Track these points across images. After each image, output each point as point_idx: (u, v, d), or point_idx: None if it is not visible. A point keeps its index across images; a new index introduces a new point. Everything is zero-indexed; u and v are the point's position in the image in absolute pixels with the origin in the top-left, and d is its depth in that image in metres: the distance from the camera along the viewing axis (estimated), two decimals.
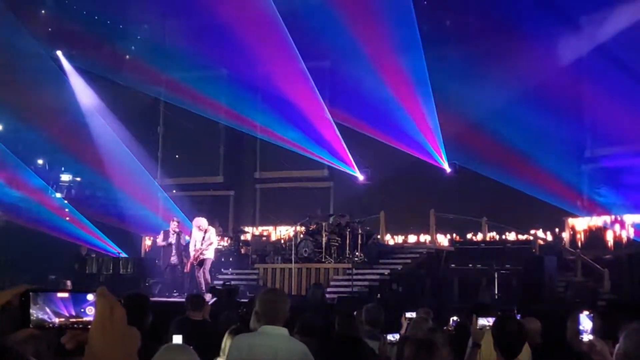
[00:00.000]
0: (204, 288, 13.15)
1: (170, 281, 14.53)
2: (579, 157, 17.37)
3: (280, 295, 4.22)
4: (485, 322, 4.12)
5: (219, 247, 16.06)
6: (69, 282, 15.65)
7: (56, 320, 1.35)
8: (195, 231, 13.92)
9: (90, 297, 1.36)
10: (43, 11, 19.81)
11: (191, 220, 14.65)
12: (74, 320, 1.35)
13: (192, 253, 13.83)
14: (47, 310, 1.34)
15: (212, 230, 14.04)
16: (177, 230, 14.56)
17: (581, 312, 3.47)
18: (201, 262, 13.69)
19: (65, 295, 1.36)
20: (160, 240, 14.83)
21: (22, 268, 17.37)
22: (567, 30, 16.80)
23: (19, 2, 18.64)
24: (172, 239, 14.44)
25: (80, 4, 19.26)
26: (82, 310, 1.35)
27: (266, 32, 18.28)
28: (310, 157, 19.33)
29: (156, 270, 16.38)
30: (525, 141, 17.39)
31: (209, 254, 13.83)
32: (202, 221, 14.02)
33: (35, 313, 1.34)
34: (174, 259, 14.32)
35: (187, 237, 14.60)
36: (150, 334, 4.63)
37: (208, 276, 13.71)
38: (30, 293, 1.35)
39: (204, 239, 13.71)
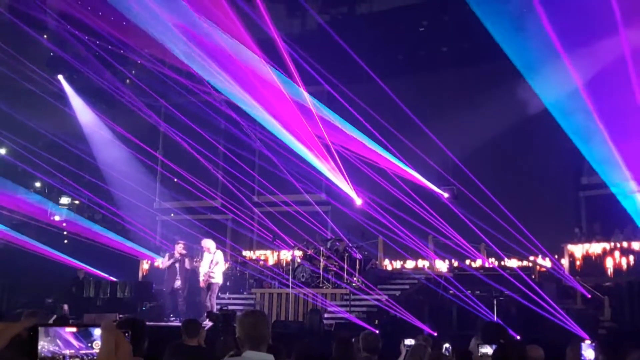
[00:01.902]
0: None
1: (170, 305, 14.41)
2: (576, 184, 17.39)
3: (261, 317, 3.99)
4: (487, 349, 4.09)
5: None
6: (65, 307, 15.54)
7: (67, 352, 1.36)
8: (205, 254, 13.94)
9: (97, 332, 1.37)
10: (45, 36, 19.95)
11: (192, 244, 14.69)
12: (83, 352, 1.36)
13: (201, 276, 13.80)
14: (59, 342, 1.36)
15: (219, 253, 14.04)
16: (182, 252, 14.48)
17: (582, 340, 3.44)
18: (209, 286, 13.66)
19: (73, 329, 1.38)
20: (165, 262, 14.68)
21: (19, 291, 17.28)
22: (563, 59, 16.90)
23: (21, 26, 18.75)
24: (177, 262, 14.35)
25: (81, 29, 19.39)
26: (90, 344, 1.36)
27: (265, 57, 18.39)
28: (308, 182, 19.34)
29: (153, 294, 16.29)
30: (523, 168, 17.44)
31: (217, 278, 13.78)
32: (209, 243, 14.04)
33: (47, 345, 1.35)
34: (177, 283, 14.23)
35: (194, 261, 14.61)
36: (146, 359, 4.58)
37: (214, 302, 13.65)
38: (40, 327, 1.36)
39: (212, 261, 13.71)
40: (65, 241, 19.92)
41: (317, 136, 19.57)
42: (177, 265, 14.32)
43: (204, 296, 13.74)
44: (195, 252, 14.71)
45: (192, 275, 14.58)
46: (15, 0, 18.54)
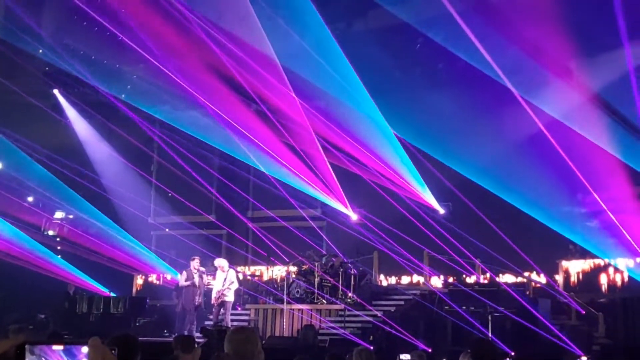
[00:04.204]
0: None
1: (196, 322, 14.21)
2: (571, 200, 17.39)
3: (250, 334, 3.96)
4: None
5: (211, 287, 15.95)
6: None
7: None
8: (218, 272, 13.95)
9: (84, 349, 1.36)
10: (40, 50, 19.95)
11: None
12: None
13: (214, 294, 13.90)
14: None
15: (231, 271, 14.09)
16: (199, 268, 14.33)
17: (578, 357, 3.43)
18: (222, 304, 13.77)
19: (60, 347, 1.37)
20: (183, 281, 14.40)
21: (11, 306, 17.14)
22: (557, 82, 16.97)
23: (17, 40, 18.77)
24: (196, 279, 14.21)
25: (77, 44, 19.41)
26: None
27: (260, 72, 18.44)
28: (303, 197, 19.32)
29: (147, 309, 16.21)
30: (518, 184, 17.45)
31: (230, 296, 13.92)
32: (222, 262, 14.18)
33: None
34: (198, 299, 14.13)
35: (209, 278, 14.63)
36: None
37: (228, 319, 13.75)
38: (26, 345, 1.35)
39: (225, 280, 13.75)
40: (59, 256, 19.80)
41: (314, 150, 19.61)
42: (197, 281, 14.14)
43: (215, 313, 13.92)
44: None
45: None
46: (9, 13, 18.54)
